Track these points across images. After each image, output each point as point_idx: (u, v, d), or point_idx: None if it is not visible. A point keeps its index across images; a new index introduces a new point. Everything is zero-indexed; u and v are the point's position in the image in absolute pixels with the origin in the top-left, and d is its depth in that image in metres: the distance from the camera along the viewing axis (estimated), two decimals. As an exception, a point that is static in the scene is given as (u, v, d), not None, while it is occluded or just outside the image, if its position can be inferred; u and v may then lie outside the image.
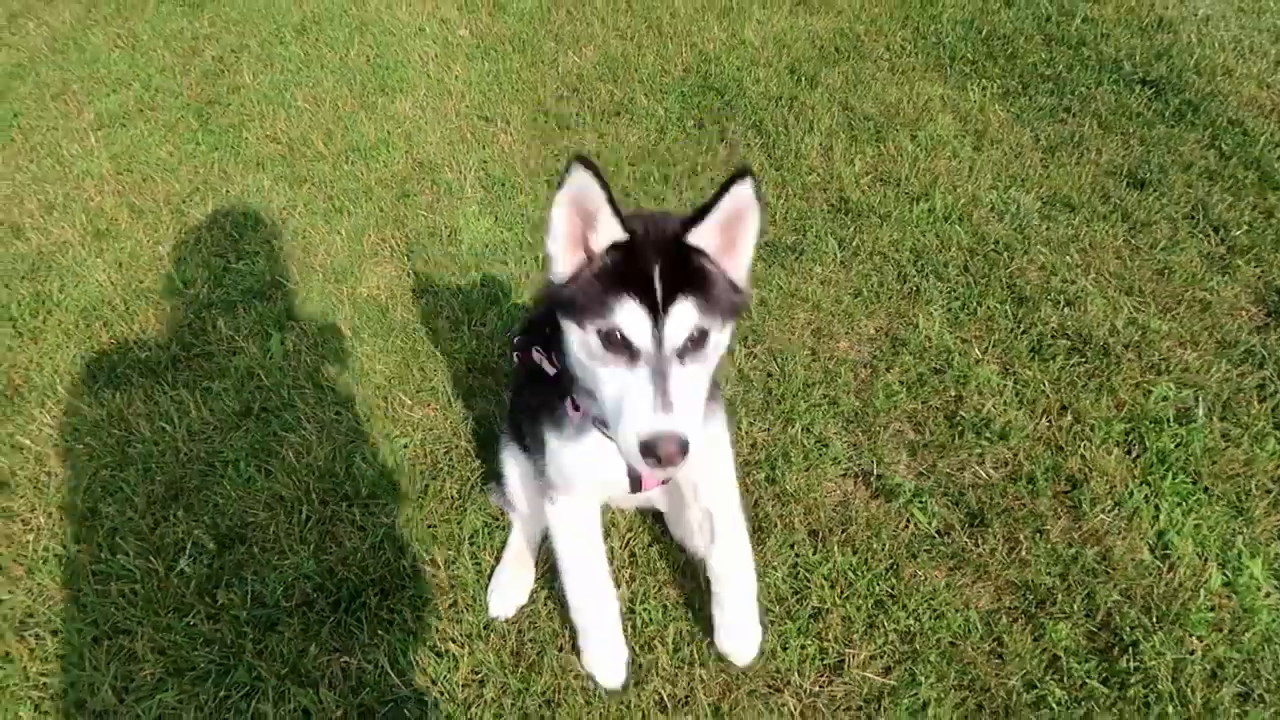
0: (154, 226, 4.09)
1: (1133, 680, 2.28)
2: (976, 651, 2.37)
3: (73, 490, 2.93)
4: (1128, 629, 2.38)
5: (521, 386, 2.35)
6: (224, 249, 3.93)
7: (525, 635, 2.46)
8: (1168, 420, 2.88)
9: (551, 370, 1.94)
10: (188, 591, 2.63)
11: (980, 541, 2.60)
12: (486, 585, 2.55)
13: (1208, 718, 2.22)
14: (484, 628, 2.48)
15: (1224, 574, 2.50)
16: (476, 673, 2.40)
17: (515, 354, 2.22)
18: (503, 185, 4.14)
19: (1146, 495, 2.68)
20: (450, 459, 2.94)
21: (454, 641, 2.46)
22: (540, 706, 2.30)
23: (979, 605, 2.47)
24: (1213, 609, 2.42)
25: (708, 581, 2.23)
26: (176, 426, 3.11)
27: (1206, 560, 2.53)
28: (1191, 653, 2.32)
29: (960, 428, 2.90)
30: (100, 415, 3.17)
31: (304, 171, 4.34)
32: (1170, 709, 2.23)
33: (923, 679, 2.30)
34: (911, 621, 2.43)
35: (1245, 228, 3.56)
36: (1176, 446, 2.80)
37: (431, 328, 3.43)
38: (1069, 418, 2.92)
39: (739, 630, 2.19)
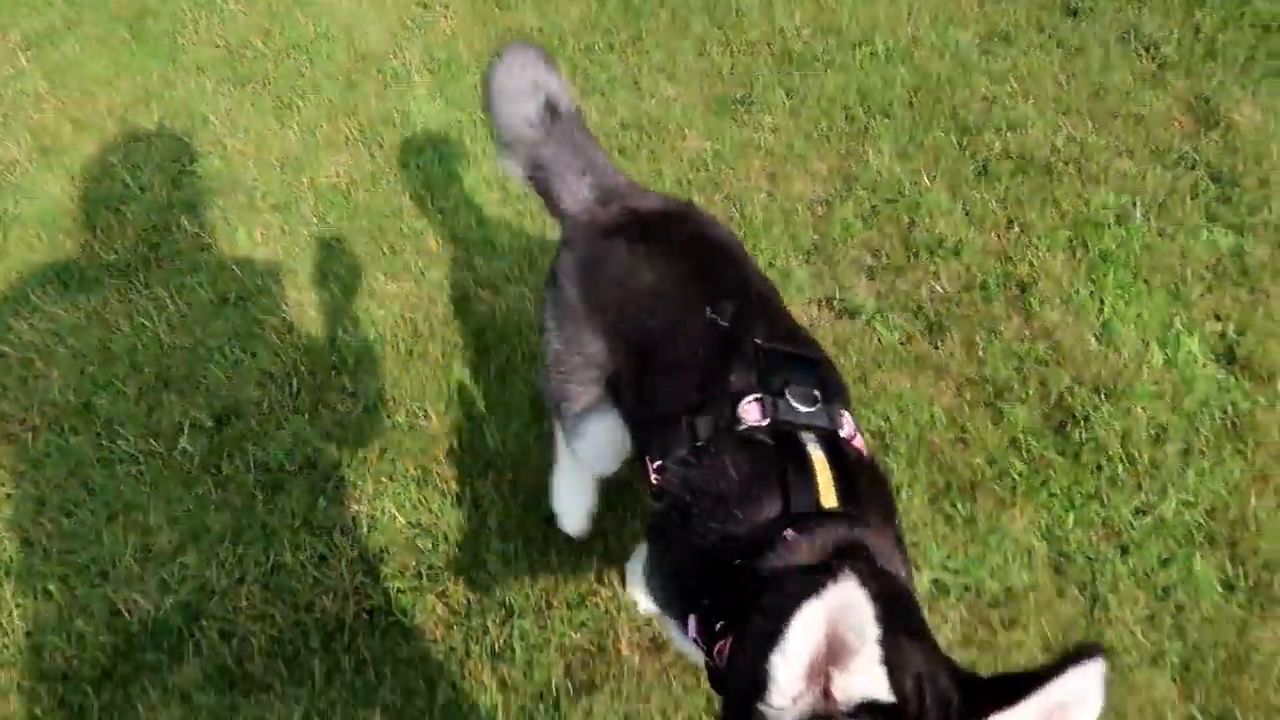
0: (101, 138, 4.05)
1: (1085, 449, 2.48)
2: (942, 440, 2.55)
3: (63, 389, 2.98)
4: (1079, 407, 2.57)
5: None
6: (177, 153, 3.91)
7: (521, 471, 2.60)
8: (1108, 224, 3.04)
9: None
10: (192, 467, 2.73)
11: (940, 346, 2.77)
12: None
13: (1153, 472, 2.43)
14: (484, 465, 2.62)
15: (1164, 353, 2.69)
16: (479, 505, 2.54)
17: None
18: (449, 67, 4.13)
19: (1091, 291, 2.86)
20: (430, 324, 3.04)
21: (455, 481, 2.59)
22: (540, 526, 2.46)
23: (942, 401, 2.64)
24: (1155, 383, 2.62)
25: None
26: (156, 321, 3.16)
27: (1148, 343, 2.71)
28: (1137, 420, 2.52)
29: (915, 249, 3.05)
30: (78, 318, 3.21)
31: (246, 72, 4.29)
32: (1120, 469, 2.43)
33: (894, 467, 2.48)
34: (882, 422, 2.60)
35: (1175, 44, 3.68)
36: (1117, 247, 2.96)
37: (395, 206, 3.48)
38: (1016, 230, 3.07)
39: None
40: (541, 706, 2.20)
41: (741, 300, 1.62)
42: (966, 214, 3.15)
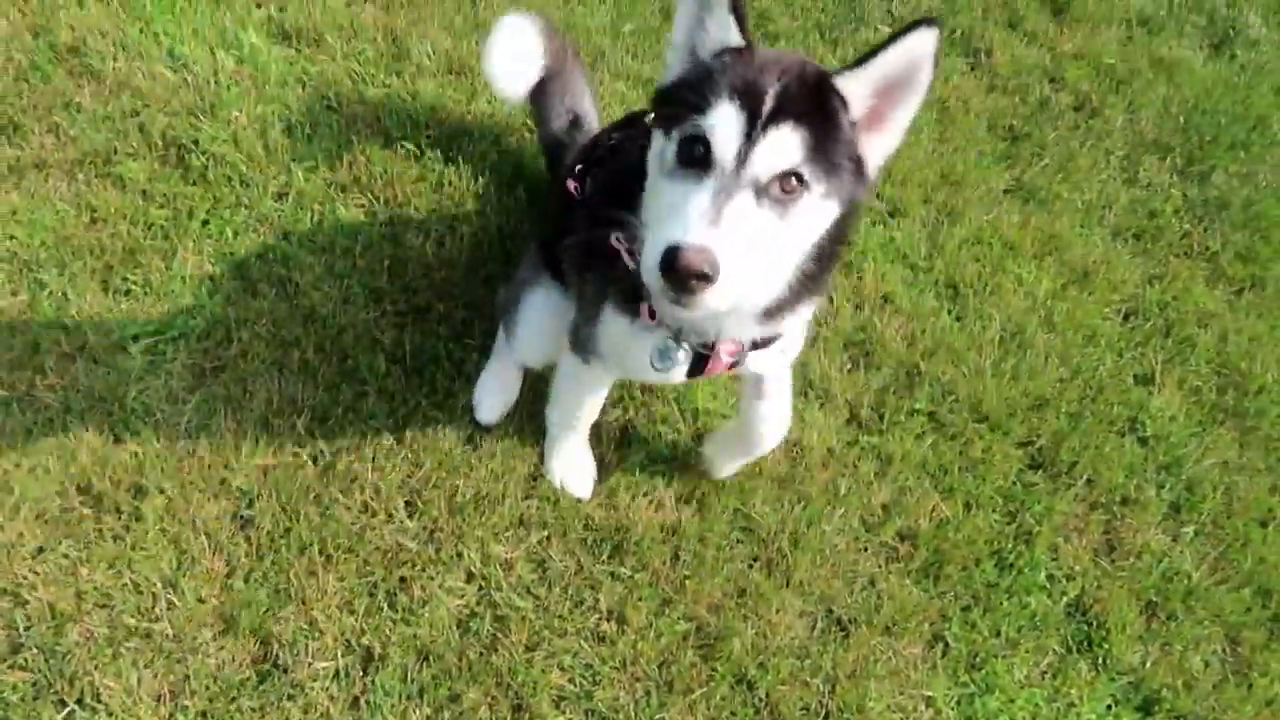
0: None
1: (203, 173, 2.55)
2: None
3: None
4: (184, 136, 2.60)
5: (574, 218, 1.82)
6: None
7: None
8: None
9: (632, 265, 1.50)
10: None
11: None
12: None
13: (264, 163, 2.60)
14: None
15: (233, 55, 2.79)
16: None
17: (576, 185, 1.82)
18: None
19: (142, 29, 2.79)
20: None
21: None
22: None
23: (55, 195, 2.47)
24: (238, 83, 2.72)
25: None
26: None
27: (215, 51, 2.78)
28: (240, 126, 2.63)
29: None
30: None
31: None
32: (236, 173, 2.56)
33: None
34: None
35: None
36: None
37: None
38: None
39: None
40: None
41: None
42: None
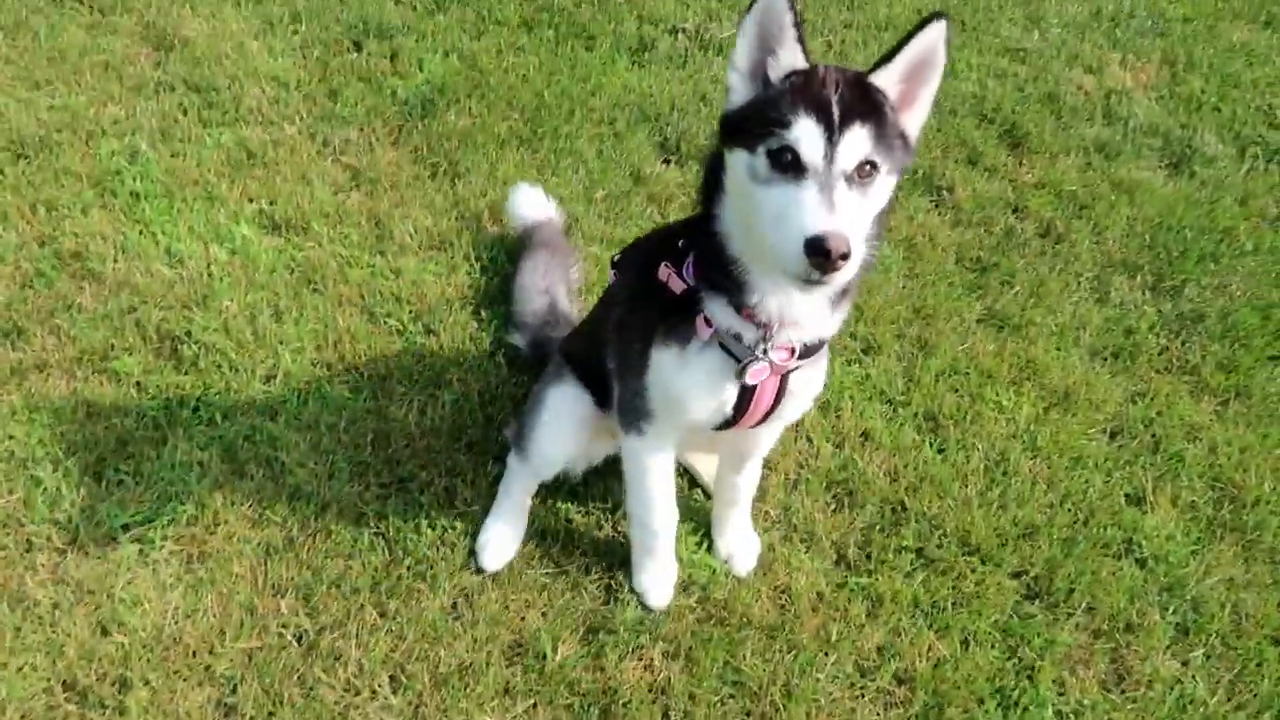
0: None
1: (195, 362, 2.66)
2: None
3: None
4: (184, 334, 2.73)
5: (612, 308, 2.10)
6: None
7: None
8: (123, 168, 3.15)
9: (680, 286, 1.80)
10: None
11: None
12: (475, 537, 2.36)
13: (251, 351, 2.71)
14: None
15: (226, 247, 2.96)
16: None
17: (614, 271, 2.09)
18: None
19: (141, 230, 2.97)
20: None
21: None
22: None
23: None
24: (229, 275, 2.87)
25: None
26: None
27: (208, 245, 2.95)
28: (230, 314, 2.76)
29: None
30: None
31: None
32: (225, 360, 2.67)
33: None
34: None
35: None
36: (139, 182, 3.11)
37: None
38: (43, 211, 3.02)
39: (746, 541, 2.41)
40: None
41: None
42: None
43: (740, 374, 1.80)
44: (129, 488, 2.40)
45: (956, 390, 2.87)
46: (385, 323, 2.81)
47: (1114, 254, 3.40)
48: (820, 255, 1.42)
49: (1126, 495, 2.69)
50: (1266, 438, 2.86)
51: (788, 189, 1.50)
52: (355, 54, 3.78)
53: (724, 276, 1.73)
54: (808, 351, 1.82)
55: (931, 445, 2.73)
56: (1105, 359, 3.05)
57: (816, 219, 1.45)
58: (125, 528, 2.33)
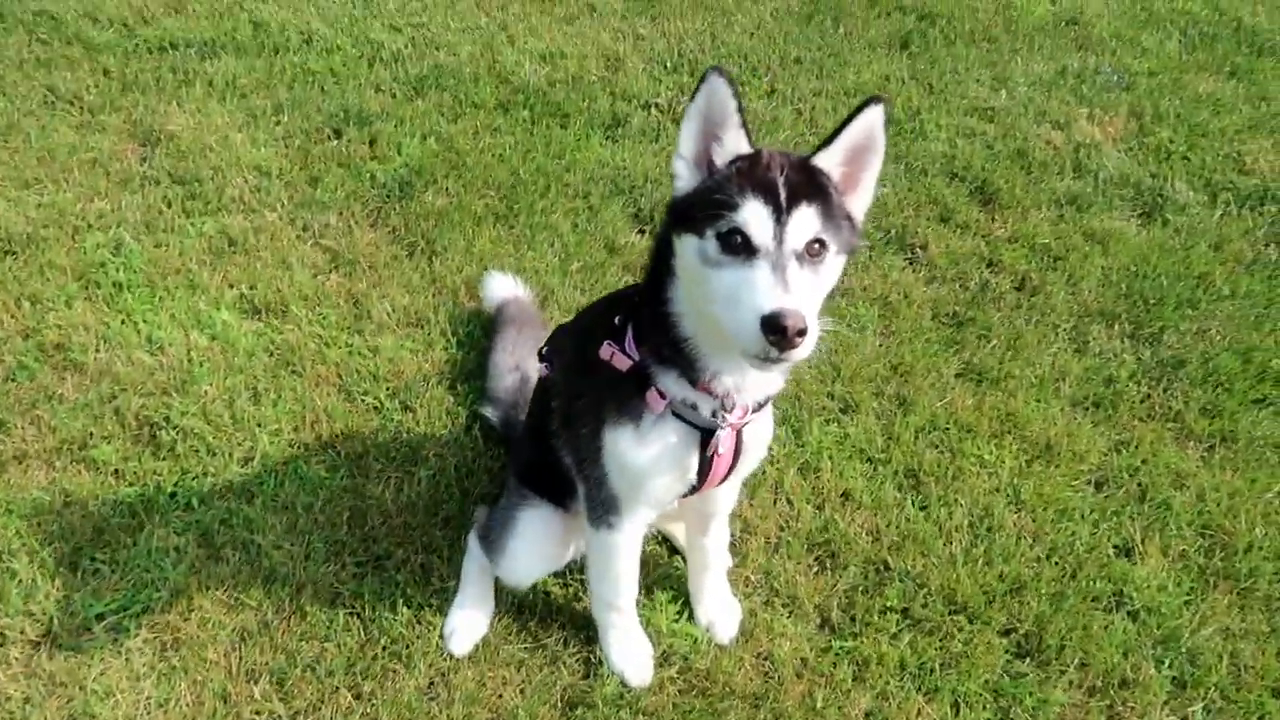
0: None
1: (173, 450, 2.67)
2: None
3: None
4: (158, 417, 2.74)
5: (551, 401, 2.10)
6: None
7: None
8: (107, 260, 3.21)
9: (626, 363, 1.79)
10: None
11: None
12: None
13: (240, 431, 2.72)
14: None
15: (206, 334, 2.98)
16: None
17: (545, 365, 2.08)
18: None
19: (123, 320, 3.01)
20: None
21: None
22: None
23: (31, 485, 2.58)
24: (207, 361, 2.90)
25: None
26: None
27: (188, 332, 2.98)
28: (212, 399, 2.78)
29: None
30: None
31: None
32: (202, 445, 2.68)
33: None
34: None
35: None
36: (123, 273, 3.16)
37: None
38: (27, 305, 3.07)
39: (726, 607, 2.37)
40: None
41: None
42: None
43: (706, 446, 1.83)
44: (104, 576, 2.39)
45: (937, 446, 2.86)
46: (362, 401, 2.82)
47: (1090, 304, 3.41)
48: (777, 333, 1.42)
49: (1115, 546, 2.65)
50: (1254, 482, 2.83)
51: (740, 270, 1.52)
52: (335, 141, 3.87)
53: (675, 353, 1.74)
54: (759, 407, 1.85)
55: (913, 503, 2.70)
56: (1087, 409, 3.04)
57: (770, 297, 1.46)
58: (100, 617, 2.30)
